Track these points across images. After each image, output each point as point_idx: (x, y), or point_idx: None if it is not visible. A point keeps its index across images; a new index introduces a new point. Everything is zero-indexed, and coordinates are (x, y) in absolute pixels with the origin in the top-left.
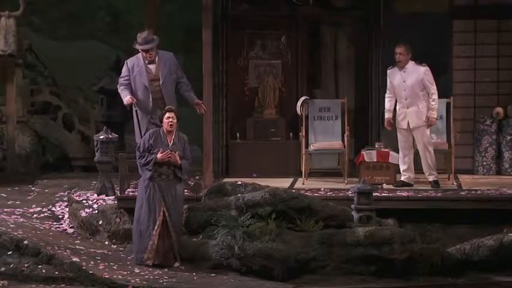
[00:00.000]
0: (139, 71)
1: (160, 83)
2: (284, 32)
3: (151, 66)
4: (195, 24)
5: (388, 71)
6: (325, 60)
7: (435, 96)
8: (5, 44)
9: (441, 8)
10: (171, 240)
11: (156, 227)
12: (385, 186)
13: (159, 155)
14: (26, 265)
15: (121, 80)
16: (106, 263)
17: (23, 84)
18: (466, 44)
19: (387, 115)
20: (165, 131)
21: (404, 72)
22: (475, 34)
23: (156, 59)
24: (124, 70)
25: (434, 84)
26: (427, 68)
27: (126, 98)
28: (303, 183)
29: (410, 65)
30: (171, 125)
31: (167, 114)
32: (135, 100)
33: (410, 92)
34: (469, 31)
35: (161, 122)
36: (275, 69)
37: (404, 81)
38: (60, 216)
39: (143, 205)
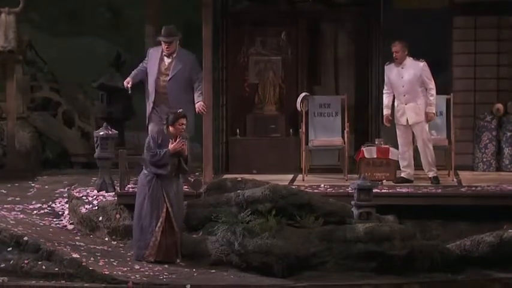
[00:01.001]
0: (154, 61)
1: (168, 78)
2: (284, 28)
3: (167, 60)
4: (195, 21)
5: (386, 67)
6: (325, 57)
7: (433, 91)
8: (5, 41)
9: (441, 5)
10: (174, 237)
11: (159, 224)
12: (385, 182)
13: (172, 146)
14: (26, 261)
15: (140, 64)
16: (106, 259)
17: (22, 81)
18: (466, 41)
19: (385, 111)
20: (172, 133)
21: (402, 68)
22: (475, 30)
23: (174, 55)
24: (146, 57)
25: (432, 79)
26: (424, 63)
27: (125, 80)
28: (303, 180)
29: (408, 61)
30: (181, 132)
31: (181, 121)
32: (130, 84)
33: (408, 88)
34: (469, 27)
35: (171, 123)
36: (275, 66)
37: (402, 77)
38: (60, 213)
39: (145, 201)
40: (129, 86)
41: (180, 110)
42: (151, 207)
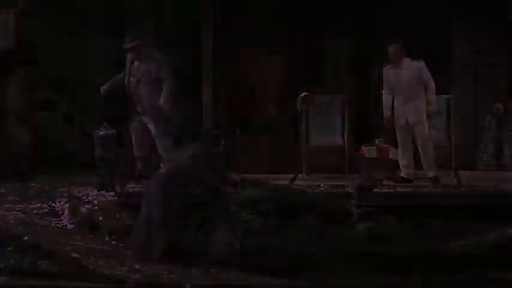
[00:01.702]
0: (128, 61)
1: (136, 80)
2: (284, 28)
3: (136, 62)
4: (195, 20)
5: (384, 69)
6: (325, 57)
7: (433, 90)
8: (5, 41)
9: (441, 4)
10: (183, 239)
11: (169, 228)
12: (385, 182)
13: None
14: (26, 261)
15: (122, 73)
16: (106, 259)
17: (22, 81)
18: (466, 40)
19: (386, 113)
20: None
21: (400, 69)
22: (475, 30)
23: (142, 57)
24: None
25: (432, 78)
26: (422, 62)
27: (102, 87)
28: (303, 179)
29: (406, 61)
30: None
31: (222, 141)
32: (103, 90)
33: (407, 88)
34: (469, 27)
35: (214, 145)
36: (275, 65)
37: (400, 79)
38: (60, 212)
39: (158, 205)
40: (102, 92)
41: (218, 131)
42: (164, 211)
